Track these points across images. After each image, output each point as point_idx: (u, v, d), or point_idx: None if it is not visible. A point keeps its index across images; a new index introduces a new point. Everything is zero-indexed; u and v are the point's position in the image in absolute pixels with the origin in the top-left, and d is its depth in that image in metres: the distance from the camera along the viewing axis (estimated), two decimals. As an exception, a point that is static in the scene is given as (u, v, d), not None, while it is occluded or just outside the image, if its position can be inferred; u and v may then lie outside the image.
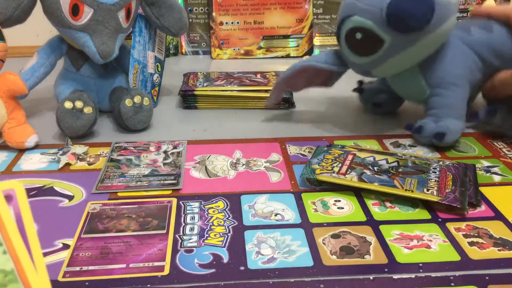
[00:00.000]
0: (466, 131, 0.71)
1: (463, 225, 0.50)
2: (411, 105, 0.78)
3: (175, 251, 0.46)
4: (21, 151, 0.66)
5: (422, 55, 0.66)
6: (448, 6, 0.62)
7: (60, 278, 0.43)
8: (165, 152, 0.66)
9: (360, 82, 0.81)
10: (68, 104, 0.67)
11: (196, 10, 1.12)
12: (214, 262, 0.45)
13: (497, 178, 0.60)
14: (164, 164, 0.62)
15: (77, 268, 0.44)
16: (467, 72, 0.68)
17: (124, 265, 0.44)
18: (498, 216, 0.52)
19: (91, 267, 0.44)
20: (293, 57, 1.11)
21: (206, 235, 0.49)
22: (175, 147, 0.67)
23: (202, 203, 0.54)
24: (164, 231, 0.49)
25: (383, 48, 0.63)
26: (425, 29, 0.61)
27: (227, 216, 0.52)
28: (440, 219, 0.51)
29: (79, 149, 0.65)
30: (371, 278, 0.43)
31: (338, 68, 0.70)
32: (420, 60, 0.66)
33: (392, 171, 0.58)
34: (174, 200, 0.55)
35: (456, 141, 0.67)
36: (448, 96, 0.67)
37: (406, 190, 0.54)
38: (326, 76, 0.73)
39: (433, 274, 0.43)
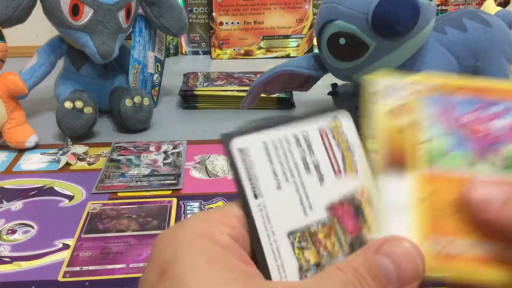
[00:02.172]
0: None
1: (463, 225, 0.50)
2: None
3: (175, 251, 0.46)
4: (21, 151, 0.66)
5: (404, 58, 0.65)
6: (429, 9, 0.62)
7: (60, 278, 0.43)
8: (165, 152, 0.66)
9: (335, 85, 0.78)
10: (68, 104, 0.67)
11: (196, 10, 1.12)
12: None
13: (497, 178, 0.60)
14: (164, 164, 0.62)
15: (77, 268, 0.44)
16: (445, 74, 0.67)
17: (124, 265, 0.44)
18: (498, 216, 0.52)
19: (91, 267, 0.44)
20: (294, 57, 1.11)
21: (206, 235, 0.48)
22: (175, 147, 0.67)
23: (202, 203, 0.54)
24: (164, 231, 0.49)
25: (367, 53, 0.62)
26: (410, 33, 0.60)
27: (227, 216, 0.52)
28: (440, 219, 0.51)
29: (79, 149, 0.65)
30: (371, 278, 0.43)
31: (317, 73, 0.69)
32: (401, 63, 0.66)
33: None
34: (174, 200, 0.55)
35: None
36: None
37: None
38: (303, 80, 0.71)
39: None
